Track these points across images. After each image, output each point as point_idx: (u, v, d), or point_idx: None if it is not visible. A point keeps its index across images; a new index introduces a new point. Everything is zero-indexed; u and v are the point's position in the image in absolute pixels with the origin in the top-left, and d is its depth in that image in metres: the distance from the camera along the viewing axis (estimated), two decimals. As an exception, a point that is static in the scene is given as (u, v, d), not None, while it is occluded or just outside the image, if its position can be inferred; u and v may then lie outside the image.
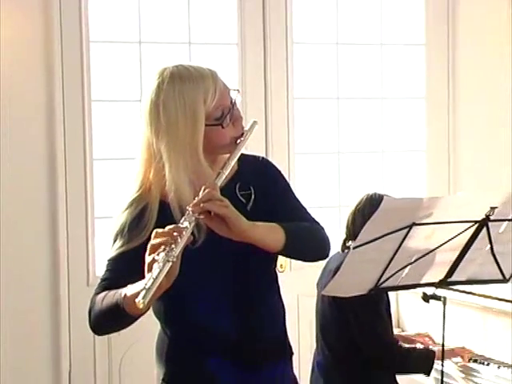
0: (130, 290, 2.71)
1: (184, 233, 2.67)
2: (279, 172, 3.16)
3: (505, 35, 6.93)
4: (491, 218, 3.18)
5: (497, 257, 3.30)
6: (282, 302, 3.15)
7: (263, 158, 3.19)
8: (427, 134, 6.94)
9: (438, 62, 6.92)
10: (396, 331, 5.19)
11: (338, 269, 3.21)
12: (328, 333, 4.66)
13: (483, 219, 3.18)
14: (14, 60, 5.95)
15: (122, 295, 2.73)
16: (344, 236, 4.71)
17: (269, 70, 6.46)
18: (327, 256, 3.20)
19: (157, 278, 2.57)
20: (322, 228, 3.11)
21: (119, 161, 6.27)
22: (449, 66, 6.92)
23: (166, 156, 2.87)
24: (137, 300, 2.54)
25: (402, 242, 3.10)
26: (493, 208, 3.16)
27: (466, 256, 3.26)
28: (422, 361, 4.63)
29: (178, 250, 2.63)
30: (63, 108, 6.05)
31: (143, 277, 2.69)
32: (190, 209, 2.74)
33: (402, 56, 6.93)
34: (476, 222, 3.18)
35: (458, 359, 4.69)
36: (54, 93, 6.03)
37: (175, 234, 2.66)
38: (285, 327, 3.13)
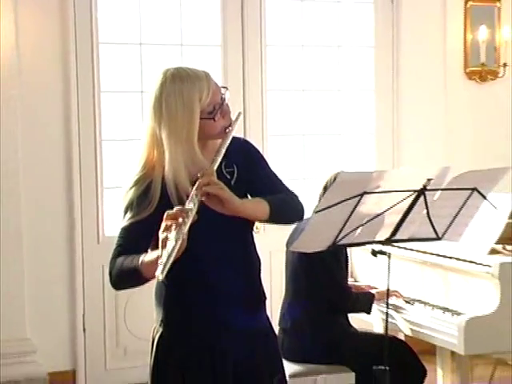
0: (146, 257, 2.77)
1: (190, 213, 2.69)
2: (257, 151, 3.14)
3: (439, 38, 6.97)
4: (427, 187, 3.19)
5: (432, 219, 3.32)
6: (258, 256, 3.14)
7: (244, 139, 3.19)
8: (376, 119, 6.96)
9: (385, 61, 6.93)
10: (350, 280, 5.22)
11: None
12: (296, 281, 4.69)
13: (421, 189, 3.18)
14: (36, 58, 5.94)
15: (140, 262, 2.78)
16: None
17: (246, 67, 6.46)
18: (302, 218, 3.19)
19: (171, 253, 2.61)
20: (297, 196, 3.10)
21: (123, 141, 6.29)
22: (393, 64, 6.93)
23: (167, 143, 2.87)
24: (156, 274, 2.59)
25: (355, 207, 3.10)
26: (429, 180, 3.17)
27: (407, 219, 3.27)
28: (365, 302, 4.70)
29: (186, 228, 2.66)
30: (77, 98, 6.06)
31: (150, 242, 2.82)
32: (193, 192, 2.75)
33: (355, 56, 6.92)
34: (415, 191, 3.18)
35: (395, 301, 4.71)
36: (69, 85, 6.03)
37: (184, 214, 2.68)
38: (260, 277, 3.13)
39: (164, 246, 2.65)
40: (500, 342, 4.25)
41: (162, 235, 2.69)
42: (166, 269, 2.59)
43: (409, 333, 4.67)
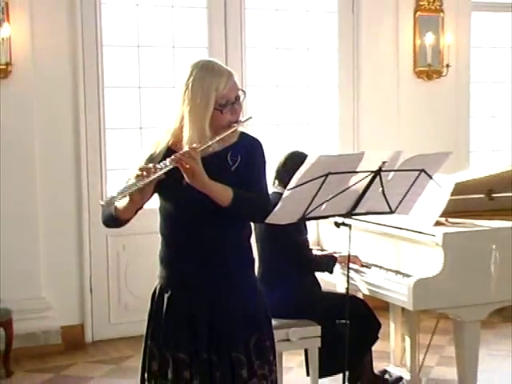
0: (119, 204, 2.86)
1: (157, 171, 2.78)
2: (261, 153, 3.07)
3: (392, 43, 6.99)
4: (382, 169, 3.21)
5: (386, 196, 3.33)
6: (249, 228, 3.13)
7: (256, 140, 3.08)
8: (339, 111, 6.96)
9: (346, 62, 6.93)
10: (316, 249, 5.22)
11: (274, 205, 3.17)
12: (265, 249, 4.67)
13: (377, 170, 3.21)
14: (48, 58, 5.92)
15: (114, 207, 2.89)
16: (272, 178, 4.71)
17: (228, 66, 6.36)
18: (263, 221, 3.10)
19: (122, 191, 2.76)
20: (268, 200, 3.05)
21: (123, 130, 6.28)
22: (353, 65, 6.93)
23: (186, 118, 2.90)
24: (100, 201, 2.85)
25: (321, 185, 3.12)
26: (384, 162, 3.20)
27: (365, 195, 3.28)
28: (328, 263, 4.70)
29: (147, 181, 2.76)
30: (84, 92, 6.05)
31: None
32: (171, 157, 2.81)
33: (321, 57, 6.92)
34: (372, 172, 3.21)
35: (355, 266, 4.72)
36: (77, 81, 6.02)
37: (151, 170, 2.78)
38: (247, 246, 3.12)
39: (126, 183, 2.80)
40: (443, 300, 4.25)
41: (129, 179, 2.81)
42: (109, 200, 2.77)
43: (366, 292, 4.68)
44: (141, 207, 2.93)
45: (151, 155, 2.98)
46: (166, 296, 3.04)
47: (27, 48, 5.76)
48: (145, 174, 2.77)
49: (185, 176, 2.83)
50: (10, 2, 5.62)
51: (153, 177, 2.78)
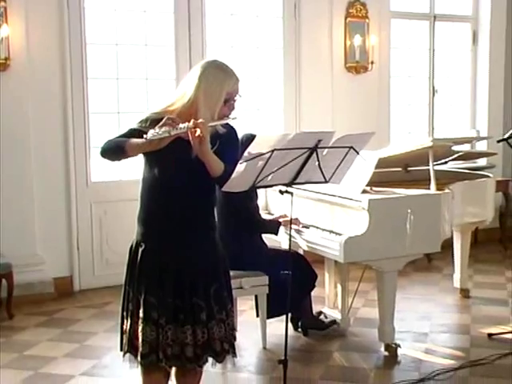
0: (133, 140, 2.87)
1: (179, 127, 2.79)
2: (235, 138, 3.11)
3: (327, 43, 6.93)
4: (318, 146, 3.17)
5: (322, 168, 3.28)
6: (216, 196, 3.12)
7: (233, 128, 3.11)
8: (284, 99, 6.89)
9: (290, 58, 6.85)
10: (265, 213, 5.20)
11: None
12: (223, 213, 4.62)
13: (314, 147, 3.15)
14: (41, 53, 5.80)
15: (127, 141, 2.89)
16: None
17: (192, 61, 6.26)
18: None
19: (157, 135, 2.76)
20: (231, 174, 3.00)
21: (104, 114, 6.15)
22: (296, 61, 6.84)
23: (201, 105, 2.92)
24: (147, 136, 2.76)
25: (268, 159, 3.04)
26: (319, 140, 3.14)
27: (304, 168, 3.22)
28: (273, 227, 4.70)
29: (175, 132, 2.78)
30: (71, 82, 5.94)
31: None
32: (191, 122, 2.80)
33: (269, 54, 6.84)
34: (310, 148, 3.16)
35: (296, 226, 4.70)
36: (65, 73, 5.90)
37: (175, 124, 2.79)
38: (210, 211, 3.12)
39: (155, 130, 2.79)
40: (367, 254, 4.29)
41: (158, 126, 2.80)
42: (149, 139, 2.76)
43: (306, 248, 4.69)
44: (147, 152, 2.92)
45: (156, 120, 2.91)
46: (141, 249, 3.02)
47: (23, 45, 5.67)
48: (174, 125, 2.78)
49: (192, 143, 2.83)
50: (8, 6, 5.55)
51: (179, 131, 2.79)
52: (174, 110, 2.95)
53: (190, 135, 2.81)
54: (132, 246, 3.07)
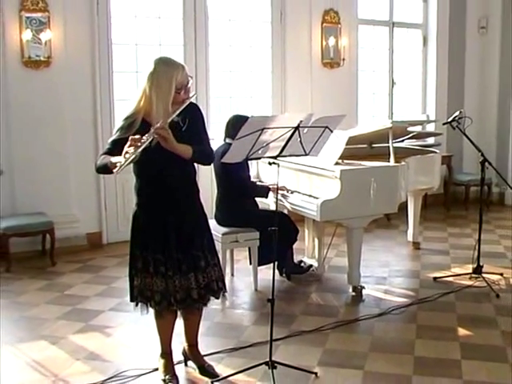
0: (113, 159, 2.72)
1: (144, 141, 2.67)
2: (200, 114, 2.98)
3: (307, 43, 6.79)
4: (300, 125, 3.11)
5: (303, 144, 3.23)
6: (194, 168, 3.04)
7: (196, 104, 2.99)
8: (272, 88, 6.75)
9: (277, 56, 6.70)
10: (257, 181, 5.13)
11: (225, 151, 3.15)
12: (221, 180, 4.57)
13: (296, 126, 3.10)
14: (75, 51, 5.68)
15: (109, 160, 2.74)
16: (224, 135, 4.57)
17: (197, 58, 6.20)
18: (211, 164, 3.09)
19: (125, 161, 2.63)
20: (212, 150, 2.99)
21: (125, 101, 5.96)
22: (281, 57, 6.70)
23: (154, 100, 2.81)
24: (114, 170, 2.65)
25: (259, 137, 3.01)
26: (301, 121, 3.10)
27: (288, 143, 3.18)
28: (263, 191, 4.63)
29: (139, 150, 2.65)
30: (100, 75, 5.83)
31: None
32: (152, 130, 2.70)
33: (261, 52, 6.69)
34: (293, 127, 3.10)
35: (282, 192, 4.65)
36: (95, 67, 5.79)
37: (141, 140, 2.66)
38: (194, 178, 3.04)
39: (124, 155, 2.65)
40: (339, 214, 4.26)
41: (125, 148, 2.66)
42: (120, 169, 2.63)
43: (290, 209, 4.64)
44: None
45: (130, 124, 2.83)
46: (146, 215, 2.96)
47: (62, 46, 5.61)
48: (138, 144, 2.64)
49: (160, 142, 2.76)
50: (51, 16, 5.50)
51: (143, 145, 2.66)
52: (140, 109, 2.86)
53: (159, 139, 2.74)
54: (135, 213, 2.98)
